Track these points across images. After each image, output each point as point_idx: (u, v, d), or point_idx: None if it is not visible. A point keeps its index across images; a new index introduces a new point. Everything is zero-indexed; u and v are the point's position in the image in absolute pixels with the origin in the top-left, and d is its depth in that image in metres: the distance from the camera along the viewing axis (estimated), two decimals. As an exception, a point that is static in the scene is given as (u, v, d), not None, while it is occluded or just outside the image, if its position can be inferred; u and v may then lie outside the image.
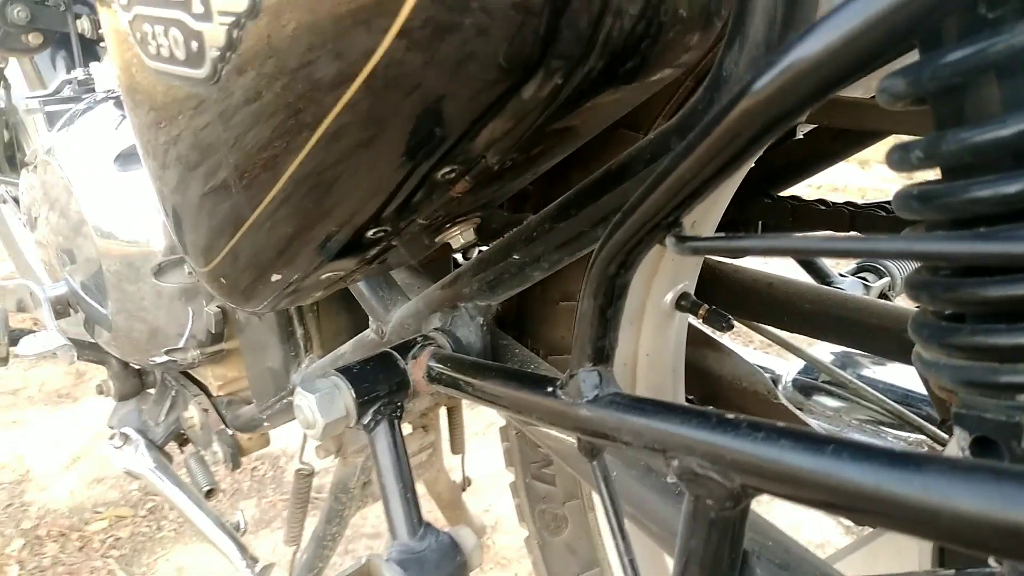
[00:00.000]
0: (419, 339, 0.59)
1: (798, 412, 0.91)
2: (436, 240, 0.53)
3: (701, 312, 0.71)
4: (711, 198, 0.68)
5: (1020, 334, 0.28)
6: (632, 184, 0.44)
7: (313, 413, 0.53)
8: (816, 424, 0.89)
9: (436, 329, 0.60)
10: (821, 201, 0.76)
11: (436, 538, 0.55)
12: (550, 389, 0.43)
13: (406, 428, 1.26)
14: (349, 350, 0.75)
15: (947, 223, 0.30)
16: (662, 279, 0.72)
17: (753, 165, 0.84)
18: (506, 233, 0.53)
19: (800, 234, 0.28)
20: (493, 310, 0.60)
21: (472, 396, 0.50)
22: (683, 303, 0.72)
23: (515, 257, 0.53)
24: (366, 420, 0.55)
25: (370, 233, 0.46)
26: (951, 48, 0.28)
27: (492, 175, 0.44)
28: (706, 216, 0.68)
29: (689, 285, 0.74)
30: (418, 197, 0.43)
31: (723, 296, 0.87)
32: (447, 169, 0.40)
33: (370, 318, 0.69)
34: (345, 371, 0.55)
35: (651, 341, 0.75)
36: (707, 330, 0.82)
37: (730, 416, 0.33)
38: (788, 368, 1.02)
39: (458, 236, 0.52)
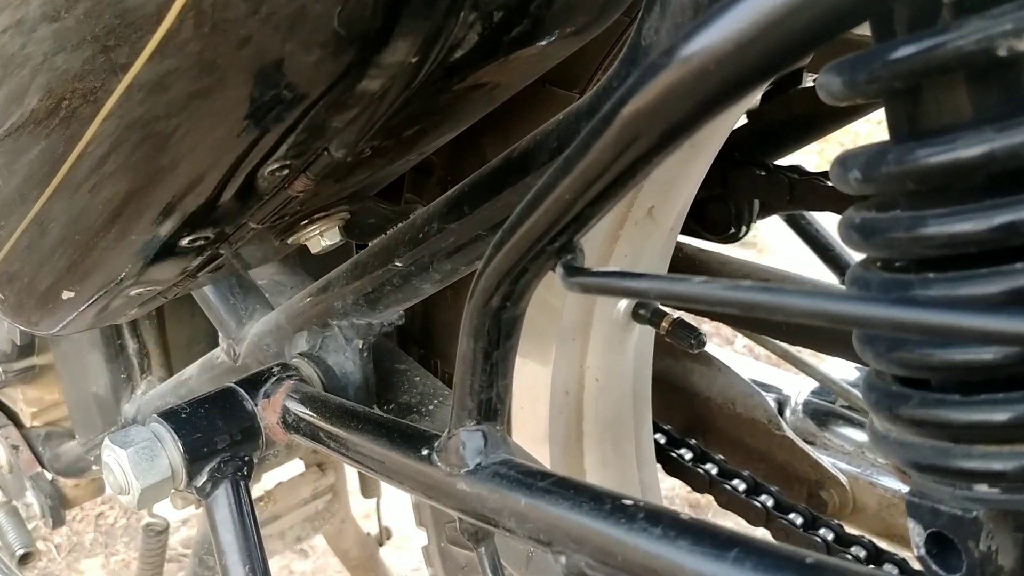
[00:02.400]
0: (275, 369, 0.60)
1: (807, 447, 0.94)
2: (288, 242, 0.54)
3: (664, 323, 0.73)
4: (674, 175, 0.70)
5: (976, 408, 0.30)
6: (534, 179, 0.45)
7: (126, 475, 0.54)
8: (830, 463, 0.92)
9: (301, 354, 0.62)
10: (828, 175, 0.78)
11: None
12: (425, 452, 0.44)
13: (298, 466, 1.28)
14: (195, 374, 0.76)
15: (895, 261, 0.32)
16: (614, 280, 0.73)
17: (742, 124, 0.86)
18: (387, 230, 0.55)
19: (703, 279, 0.29)
20: (376, 329, 0.61)
21: (334, 452, 0.52)
22: (641, 311, 0.74)
23: (397, 264, 0.54)
24: (200, 482, 0.56)
25: (185, 241, 0.47)
26: (901, 41, 0.29)
27: (346, 168, 0.45)
28: (668, 197, 0.70)
29: (652, 287, 0.76)
30: (243, 198, 0.44)
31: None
32: (276, 165, 0.41)
33: (219, 334, 0.70)
34: (171, 416, 0.55)
35: (602, 361, 0.77)
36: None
37: (627, 502, 0.35)
38: (799, 388, 1.05)
39: (318, 237, 0.53)
